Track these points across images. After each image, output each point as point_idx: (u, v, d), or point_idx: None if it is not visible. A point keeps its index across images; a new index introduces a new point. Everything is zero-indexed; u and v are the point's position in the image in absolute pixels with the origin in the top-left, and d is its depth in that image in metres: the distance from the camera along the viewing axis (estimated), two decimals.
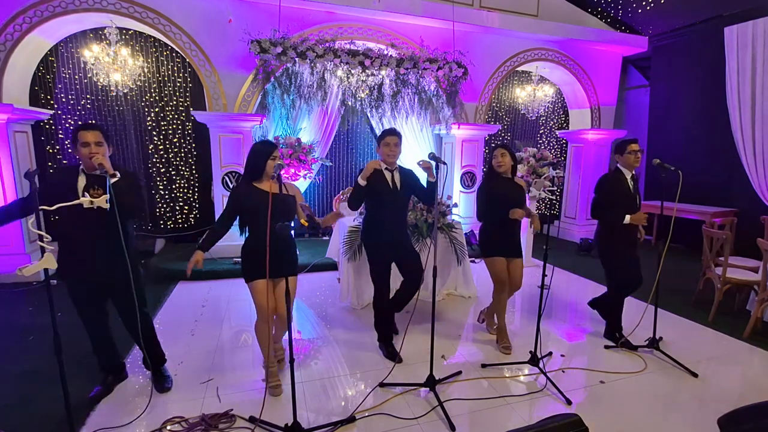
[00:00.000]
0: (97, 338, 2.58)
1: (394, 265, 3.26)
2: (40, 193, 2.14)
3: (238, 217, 2.63)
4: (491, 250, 3.26)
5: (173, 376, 2.79)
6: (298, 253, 2.88)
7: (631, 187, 3.29)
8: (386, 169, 3.14)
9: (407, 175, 3.24)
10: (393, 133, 3.10)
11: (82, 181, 2.32)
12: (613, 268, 3.41)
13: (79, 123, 2.40)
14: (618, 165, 3.36)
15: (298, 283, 2.84)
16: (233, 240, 3.92)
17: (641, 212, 3.24)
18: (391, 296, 3.27)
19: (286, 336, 2.23)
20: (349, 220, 4.19)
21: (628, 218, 3.19)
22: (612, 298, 3.52)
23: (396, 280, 3.21)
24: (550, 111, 7.90)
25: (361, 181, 3.01)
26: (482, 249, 3.32)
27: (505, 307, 3.37)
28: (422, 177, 3.14)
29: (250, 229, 2.63)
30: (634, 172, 3.34)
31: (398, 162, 3.19)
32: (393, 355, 3.16)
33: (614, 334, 3.50)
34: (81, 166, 2.34)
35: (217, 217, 5.45)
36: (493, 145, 7.46)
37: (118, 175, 2.23)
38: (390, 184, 3.11)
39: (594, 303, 3.87)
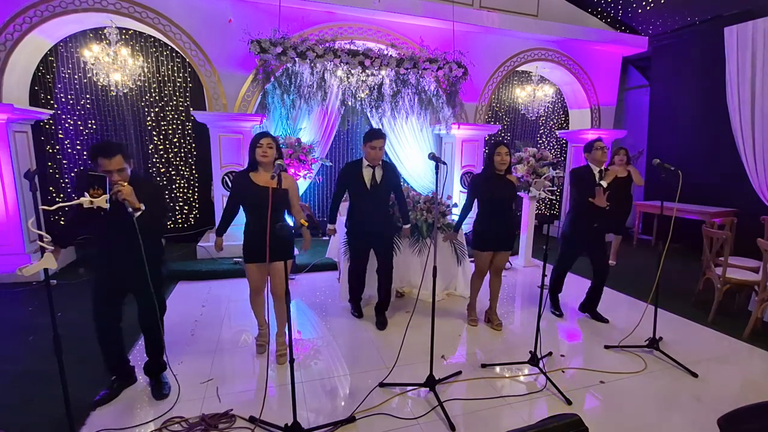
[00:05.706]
0: (105, 337, 2.55)
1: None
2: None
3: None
4: (480, 245, 3.52)
5: (174, 375, 2.78)
6: (295, 247, 3.11)
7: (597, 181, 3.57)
8: (368, 166, 3.22)
9: (390, 171, 3.36)
10: (381, 136, 3.27)
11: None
12: (563, 252, 3.81)
13: (96, 144, 2.30)
14: (588, 162, 3.68)
15: (298, 283, 2.99)
16: (234, 240, 3.93)
17: (602, 197, 3.52)
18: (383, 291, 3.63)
19: (287, 332, 2.26)
20: None
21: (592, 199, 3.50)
22: (554, 275, 3.90)
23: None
24: (550, 111, 7.90)
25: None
26: (473, 240, 3.57)
27: (478, 289, 3.76)
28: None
29: (246, 214, 2.85)
30: (602, 168, 3.62)
31: (396, 158, 3.30)
32: (359, 313, 3.81)
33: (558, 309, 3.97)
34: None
35: (217, 217, 5.51)
36: (493, 142, 7.46)
37: (143, 207, 2.16)
38: (368, 181, 3.33)
39: (584, 306, 3.95)
